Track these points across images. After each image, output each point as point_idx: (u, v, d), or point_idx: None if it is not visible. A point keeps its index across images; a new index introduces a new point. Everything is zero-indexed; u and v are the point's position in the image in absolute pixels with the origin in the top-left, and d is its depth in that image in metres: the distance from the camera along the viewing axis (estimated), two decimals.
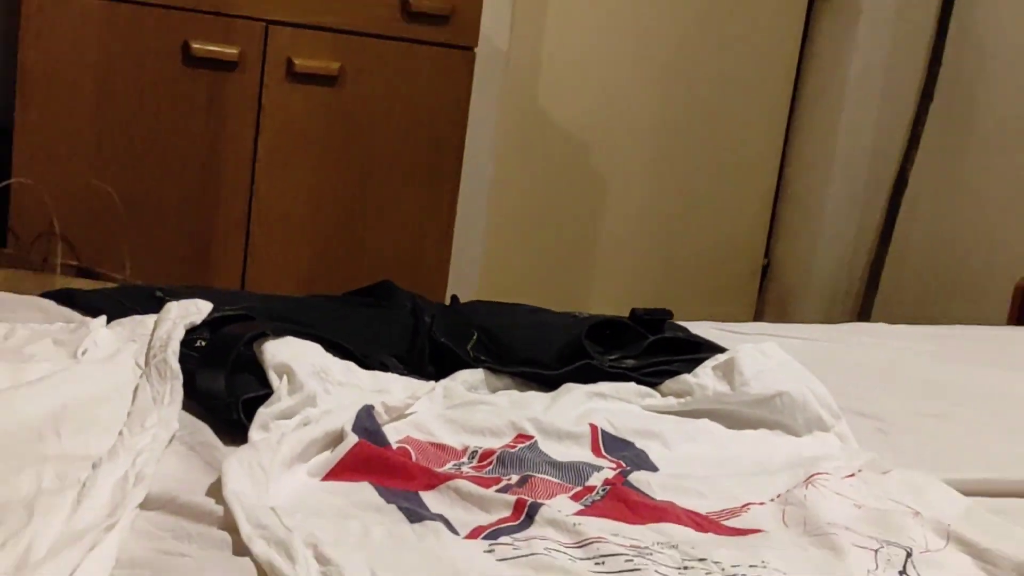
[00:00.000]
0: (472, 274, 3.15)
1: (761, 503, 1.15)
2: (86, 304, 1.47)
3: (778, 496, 1.16)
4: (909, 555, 1.06)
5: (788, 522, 1.11)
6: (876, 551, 1.06)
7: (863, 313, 3.50)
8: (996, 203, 3.16)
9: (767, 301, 3.72)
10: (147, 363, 1.26)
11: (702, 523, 1.09)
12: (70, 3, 2.31)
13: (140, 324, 1.35)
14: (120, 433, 1.11)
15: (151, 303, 1.42)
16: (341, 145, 2.56)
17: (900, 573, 1.04)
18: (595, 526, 1.04)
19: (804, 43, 3.61)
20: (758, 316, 3.70)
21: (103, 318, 1.37)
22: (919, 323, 2.14)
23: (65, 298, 1.49)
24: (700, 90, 3.51)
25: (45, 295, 1.52)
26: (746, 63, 3.54)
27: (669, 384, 1.43)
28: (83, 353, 1.26)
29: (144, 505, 0.98)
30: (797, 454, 1.30)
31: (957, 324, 2.24)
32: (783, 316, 3.58)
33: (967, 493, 1.21)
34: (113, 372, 1.23)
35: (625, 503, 1.11)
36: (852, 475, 1.21)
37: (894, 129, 3.48)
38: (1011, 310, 2.65)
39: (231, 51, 2.43)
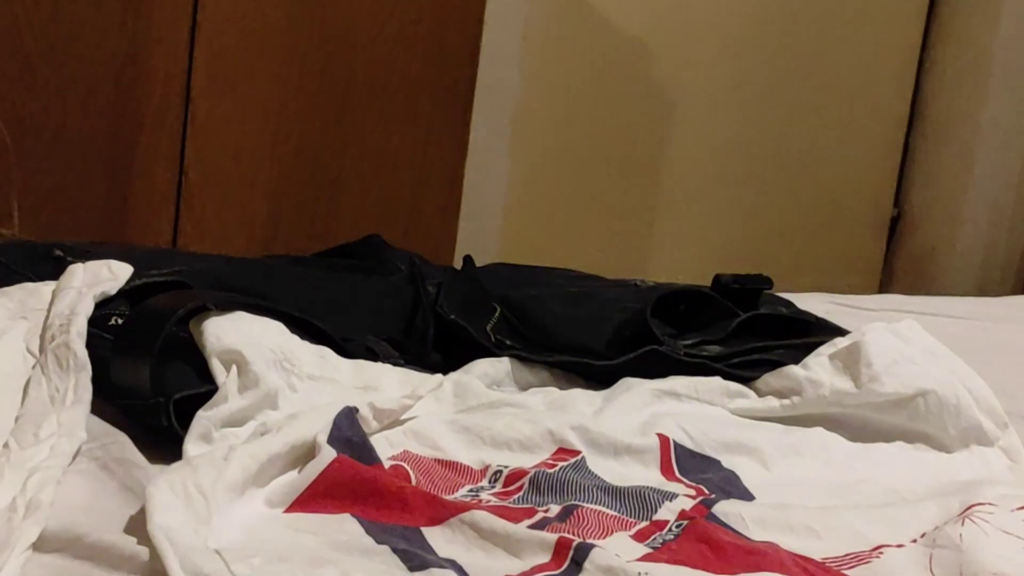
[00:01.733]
0: (491, 228, 3.15)
1: (899, 545, 1.14)
2: None
3: (923, 535, 1.15)
4: None
5: (936, 572, 1.09)
6: None
7: None
8: None
9: (897, 266, 3.71)
10: (42, 349, 1.25)
11: (816, 573, 1.08)
12: None
13: (33, 295, 1.34)
14: (5, 445, 1.10)
15: (48, 265, 1.41)
16: (311, 52, 2.56)
17: None
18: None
19: None
20: (885, 286, 3.68)
21: None
22: None
23: None
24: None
25: None
26: None
27: (769, 379, 1.43)
28: None
29: (39, 546, 0.96)
30: (949, 477, 1.29)
31: None
32: (920, 286, 3.55)
33: None
34: None
35: (708, 544, 1.10)
36: None
37: None
38: None
39: None
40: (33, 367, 1.23)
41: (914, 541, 1.14)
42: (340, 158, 2.60)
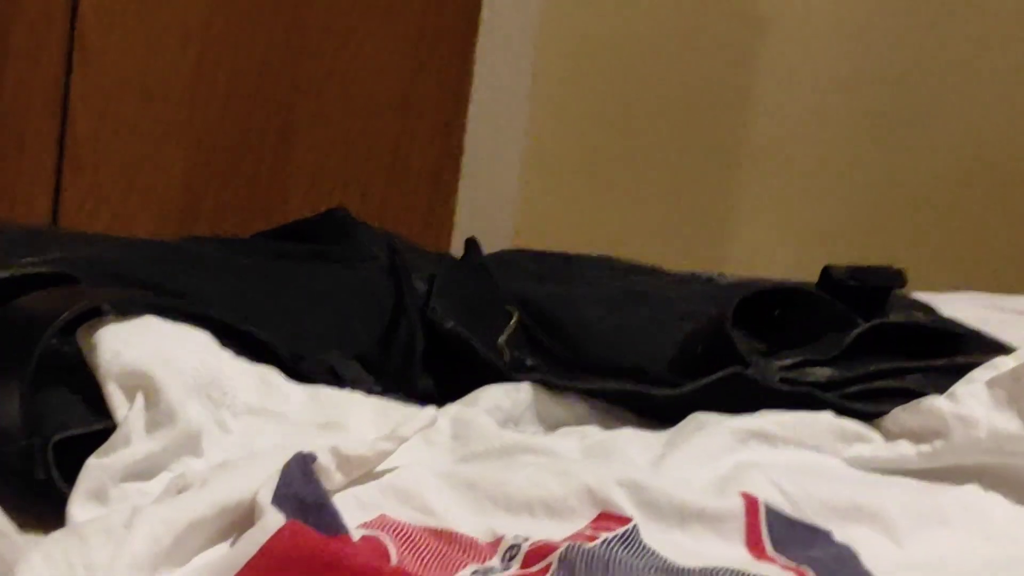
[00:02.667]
0: (502, 203, 3.15)
1: None
2: None
3: None
4: None
5: None
6: None
7: None
8: None
9: None
10: None
11: None
12: None
13: None
14: None
15: None
16: None
17: None
18: None
19: None
20: None
21: None
22: None
23: None
24: None
25: None
26: None
27: (901, 416, 1.41)
28: None
29: None
30: None
31: None
32: None
33: None
34: None
35: None
36: None
37: None
38: None
39: None
40: None
41: None
42: (290, 94, 2.60)
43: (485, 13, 2.67)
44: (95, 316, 1.30)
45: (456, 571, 1.16)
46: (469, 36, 2.67)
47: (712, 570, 1.19)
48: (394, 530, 1.20)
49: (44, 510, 1.14)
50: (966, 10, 3.56)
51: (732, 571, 1.18)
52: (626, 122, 3.39)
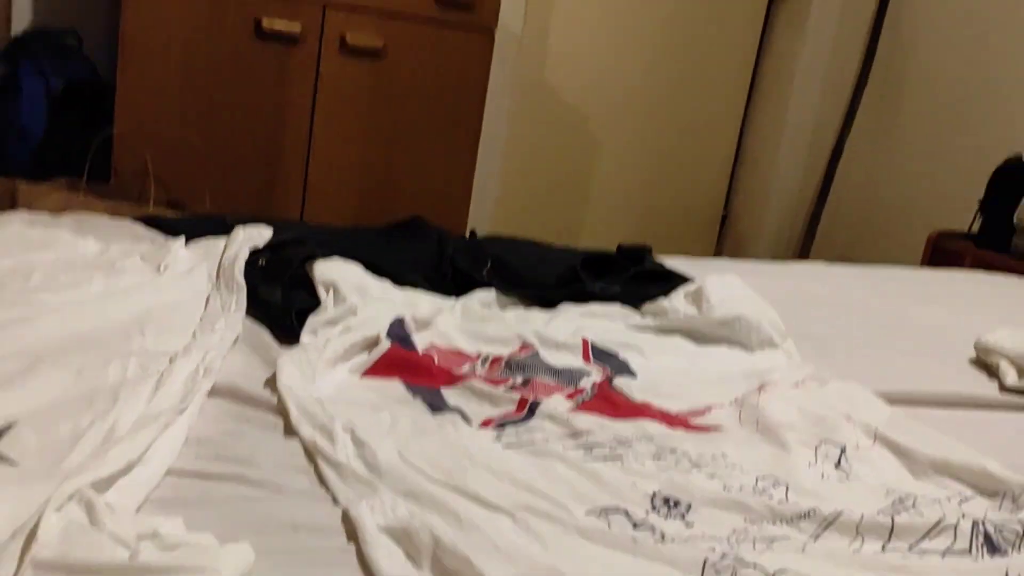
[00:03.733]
0: (488, 213, 3.11)
1: (721, 405, 1.11)
2: (169, 227, 1.42)
3: (735, 400, 1.13)
4: (843, 451, 1.03)
5: (743, 421, 1.08)
6: (816, 447, 1.03)
7: (802, 255, 3.46)
8: (914, 171, 3.10)
9: (725, 245, 3.67)
10: (218, 277, 1.23)
11: (672, 421, 1.06)
12: None
13: (213, 245, 1.31)
14: (194, 334, 1.07)
15: (222, 228, 1.38)
16: (382, 107, 2.50)
17: (836, 466, 1.01)
18: (585, 421, 1.01)
19: (763, 37, 3.53)
20: (718, 254, 3.65)
21: (182, 238, 1.33)
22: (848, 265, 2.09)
23: (152, 222, 1.44)
24: (676, 72, 3.43)
25: (136, 219, 1.47)
26: (715, 52, 3.46)
27: (648, 307, 1.39)
28: (165, 268, 1.22)
29: (212, 393, 0.94)
30: (752, 366, 1.25)
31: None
32: (738, 255, 3.54)
33: (891, 402, 1.17)
34: (190, 283, 1.20)
35: (610, 402, 1.08)
36: (796, 385, 1.17)
37: (834, 108, 3.41)
38: (924, 257, 2.60)
39: (295, 28, 2.37)
40: (212, 288, 1.20)
41: (730, 403, 1.12)
42: (399, 169, 2.55)
43: None
44: (314, 257, 1.28)
45: (461, 367, 1.14)
46: (472, 152, 2.63)
47: (568, 368, 1.17)
48: (436, 349, 1.18)
49: (291, 341, 1.11)
50: None
51: (577, 369, 1.17)
52: (541, 190, 3.35)
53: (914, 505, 0.93)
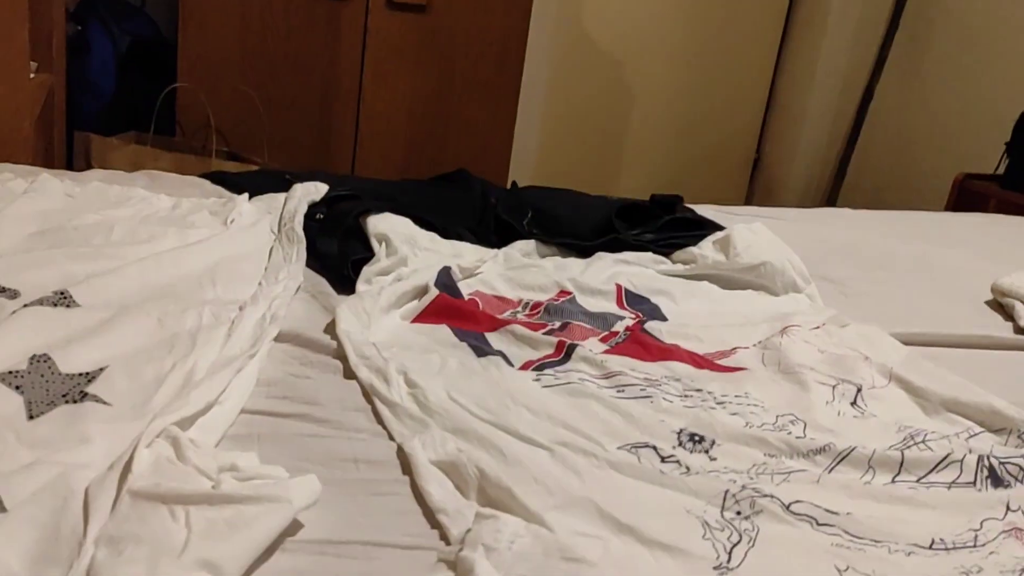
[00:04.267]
0: (529, 163, 3.11)
1: (746, 347, 1.13)
2: (233, 183, 1.46)
3: (759, 342, 1.14)
4: (859, 390, 1.05)
5: (766, 362, 1.10)
6: (834, 387, 1.05)
7: (831, 200, 3.42)
8: (943, 115, 3.04)
9: (756, 187, 3.63)
10: (279, 230, 1.26)
11: (699, 362, 1.08)
12: None
13: (274, 200, 1.35)
14: (260, 284, 1.11)
15: (282, 184, 1.41)
16: (428, 60, 2.50)
17: (852, 404, 1.03)
18: (617, 362, 1.03)
19: None
20: (748, 199, 3.62)
21: (246, 195, 1.37)
22: (875, 208, 2.07)
23: (218, 179, 1.48)
24: (710, 20, 3.37)
25: (203, 176, 1.51)
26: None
27: (678, 254, 1.40)
28: (231, 222, 1.26)
29: (277, 339, 0.99)
30: (775, 310, 1.27)
31: (907, 209, 2.17)
32: (768, 199, 3.50)
33: (908, 343, 1.19)
34: (254, 237, 1.23)
35: (641, 345, 1.10)
36: (818, 327, 1.19)
37: (865, 53, 3.34)
38: (949, 200, 2.57)
39: None
40: (274, 240, 1.24)
41: (754, 345, 1.14)
42: (444, 121, 2.56)
43: None
44: (367, 212, 1.30)
45: (503, 312, 1.17)
46: (513, 107, 2.62)
47: (603, 312, 1.20)
48: (481, 296, 1.21)
49: (347, 289, 1.15)
50: None
51: (610, 313, 1.19)
52: (580, 137, 3.34)
53: (924, 441, 0.96)
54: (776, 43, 3.50)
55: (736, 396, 1.01)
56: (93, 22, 2.37)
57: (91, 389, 0.81)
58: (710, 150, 3.51)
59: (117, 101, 2.38)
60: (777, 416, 0.98)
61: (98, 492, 0.66)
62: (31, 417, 0.76)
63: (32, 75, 1.55)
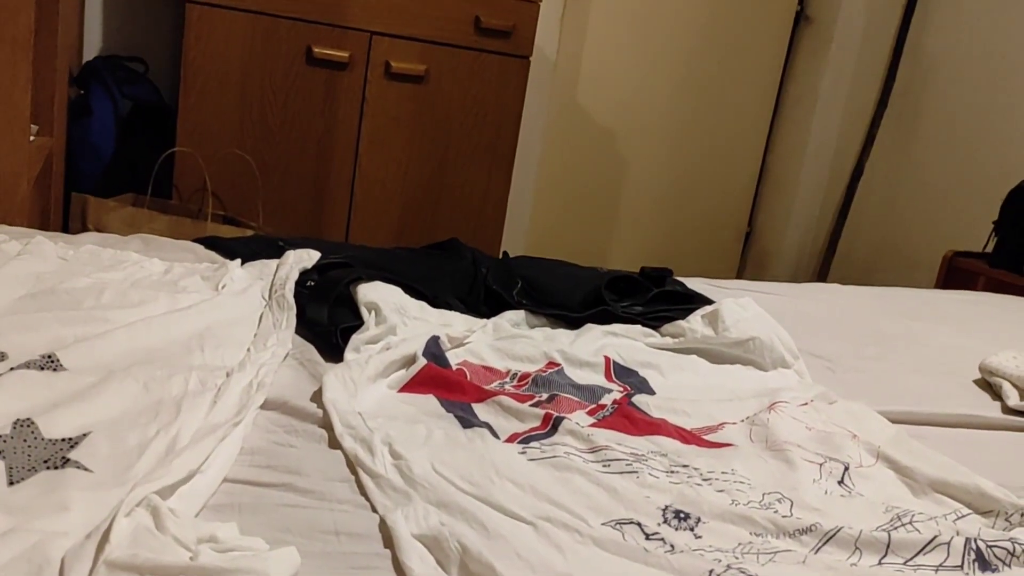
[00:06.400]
0: (522, 232, 3.14)
1: (733, 423, 1.14)
2: (227, 248, 1.47)
3: (747, 418, 1.15)
4: (847, 468, 1.05)
5: (753, 439, 1.10)
6: (821, 465, 1.05)
7: (822, 273, 3.45)
8: (932, 192, 3.09)
9: (748, 261, 3.67)
10: (270, 297, 1.26)
11: (687, 437, 1.08)
12: (222, 15, 2.32)
13: (266, 266, 1.35)
14: (248, 350, 1.11)
15: (275, 250, 1.41)
16: (425, 130, 2.55)
17: (839, 483, 1.03)
18: (604, 436, 1.03)
19: (787, 60, 3.53)
20: (740, 272, 3.65)
21: (239, 260, 1.37)
22: (866, 285, 2.09)
23: (211, 244, 1.49)
24: (703, 95, 3.44)
25: (196, 240, 1.52)
26: (741, 75, 3.47)
27: (667, 327, 1.41)
28: (223, 287, 1.26)
29: (264, 406, 0.99)
30: (763, 385, 1.27)
31: (896, 287, 2.19)
32: (760, 273, 3.54)
33: (896, 421, 1.19)
34: (245, 302, 1.24)
35: (628, 419, 1.10)
36: (805, 404, 1.19)
37: (854, 130, 3.41)
38: (938, 276, 2.59)
39: (343, 55, 2.42)
40: (265, 307, 1.24)
41: (742, 421, 1.14)
42: (439, 190, 2.59)
43: None
44: (358, 280, 1.31)
45: (491, 383, 1.17)
46: (507, 176, 2.67)
47: (590, 385, 1.20)
48: (468, 366, 1.21)
49: (335, 357, 1.15)
50: None
51: (598, 385, 1.19)
52: (571, 212, 3.38)
53: (911, 522, 0.95)
54: (768, 117, 3.57)
55: (723, 472, 1.01)
56: (96, 86, 2.41)
57: (73, 455, 0.81)
58: (702, 223, 3.55)
59: (116, 163, 2.41)
60: (764, 494, 0.98)
61: (74, 562, 0.66)
62: (11, 483, 0.76)
63: (32, 138, 1.57)
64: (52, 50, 1.72)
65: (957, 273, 2.52)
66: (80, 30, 2.52)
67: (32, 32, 1.42)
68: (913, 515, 0.97)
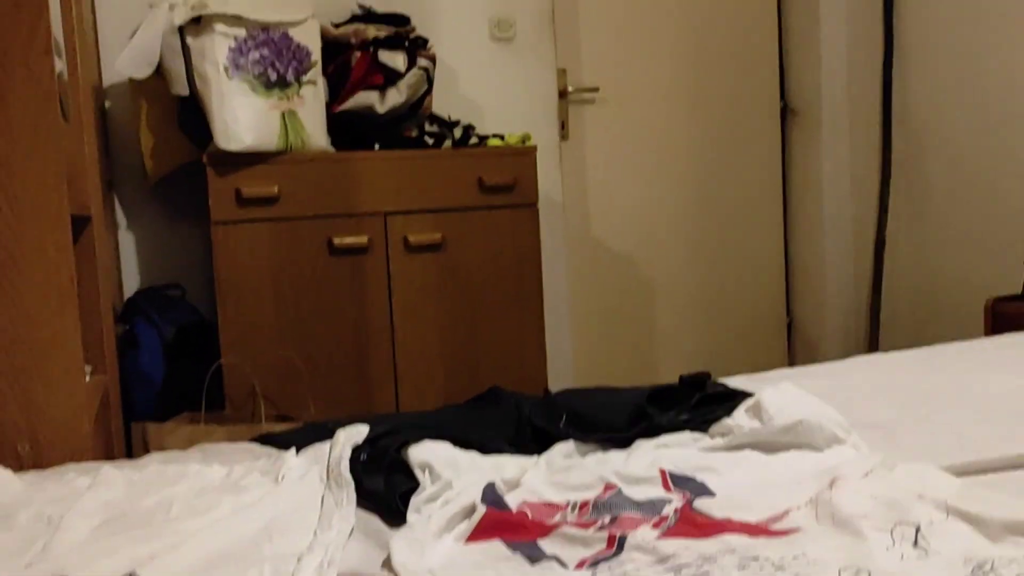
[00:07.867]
0: (566, 368, 3.17)
1: (797, 507, 1.13)
2: (280, 441, 1.52)
3: (810, 500, 1.14)
4: (918, 529, 1.03)
5: (820, 518, 1.09)
6: (891, 530, 1.04)
7: (871, 346, 3.42)
8: (958, 245, 3.10)
9: (796, 350, 3.65)
10: (328, 477, 1.30)
11: (754, 530, 1.08)
12: (245, 229, 2.46)
13: (320, 449, 1.40)
14: (314, 532, 1.14)
15: (326, 433, 1.46)
16: (452, 291, 2.64)
17: (913, 545, 1.01)
18: (671, 545, 1.03)
19: (784, 150, 3.62)
20: (792, 363, 3.63)
21: (293, 449, 1.42)
22: (917, 347, 2.08)
23: (265, 440, 1.55)
24: (711, 199, 3.53)
25: (251, 440, 1.58)
26: (743, 172, 3.57)
27: (715, 428, 1.42)
28: (282, 478, 1.31)
29: None
30: (821, 465, 1.26)
31: (947, 342, 2.18)
32: (810, 359, 3.50)
33: (960, 474, 1.18)
34: (305, 488, 1.27)
35: (693, 524, 1.11)
36: (866, 474, 1.19)
37: (867, 204, 3.45)
38: (985, 324, 2.57)
39: (362, 240, 2.55)
40: (324, 488, 1.27)
41: (806, 503, 1.13)
42: (476, 346, 2.66)
43: None
44: (406, 444, 1.35)
45: (553, 516, 1.17)
46: (540, 321, 2.73)
47: (650, 499, 1.20)
48: (528, 505, 1.22)
49: (399, 522, 1.17)
50: None
51: (659, 498, 1.20)
52: (611, 344, 3.41)
53: (992, 568, 0.94)
54: (780, 207, 3.64)
55: (794, 558, 1.00)
56: (139, 319, 2.55)
57: None
58: (740, 320, 3.57)
59: (168, 387, 2.51)
60: (840, 570, 0.97)
61: None
62: None
63: (88, 378, 1.67)
64: (95, 295, 1.85)
65: (1002, 318, 2.51)
66: (118, 272, 2.69)
67: (74, 282, 1.53)
68: (993, 561, 0.96)
